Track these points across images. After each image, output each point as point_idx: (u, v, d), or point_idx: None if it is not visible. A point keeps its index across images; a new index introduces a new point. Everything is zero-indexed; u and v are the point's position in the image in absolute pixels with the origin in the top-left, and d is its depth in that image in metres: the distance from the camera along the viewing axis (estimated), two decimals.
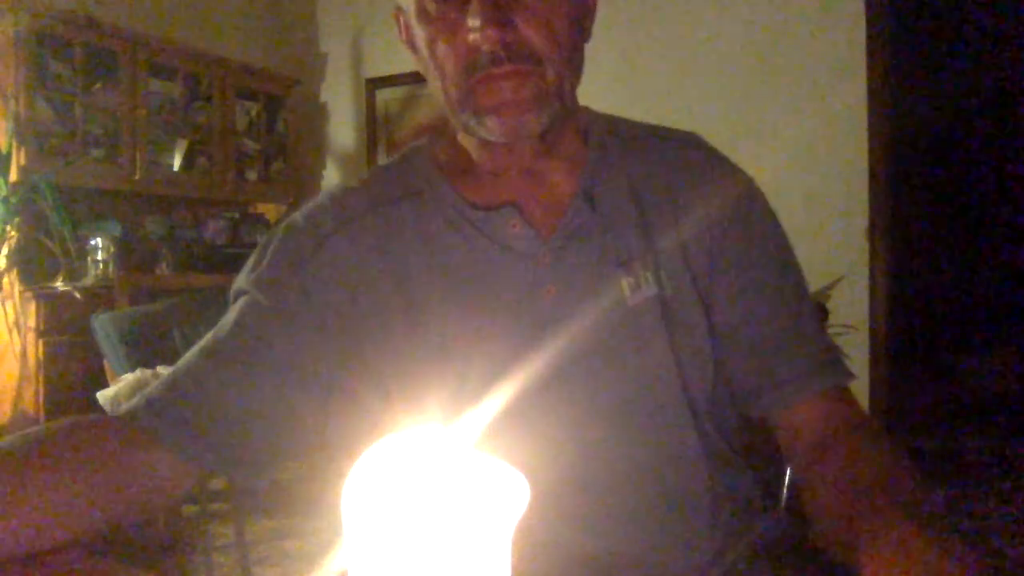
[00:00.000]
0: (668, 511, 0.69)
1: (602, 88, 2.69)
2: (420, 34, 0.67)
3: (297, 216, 0.75)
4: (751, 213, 0.73)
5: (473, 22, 0.61)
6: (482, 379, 0.66)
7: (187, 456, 0.64)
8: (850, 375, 0.71)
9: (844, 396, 0.71)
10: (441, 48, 0.65)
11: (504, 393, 0.65)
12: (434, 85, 0.68)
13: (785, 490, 0.80)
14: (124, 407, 0.66)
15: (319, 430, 0.70)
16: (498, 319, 0.68)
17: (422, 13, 0.66)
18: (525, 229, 0.69)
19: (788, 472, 0.82)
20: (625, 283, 0.69)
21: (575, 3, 0.67)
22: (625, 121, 0.79)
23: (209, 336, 0.70)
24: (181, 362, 0.69)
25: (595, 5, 0.72)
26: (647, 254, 0.70)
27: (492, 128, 0.65)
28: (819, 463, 0.64)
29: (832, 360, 0.71)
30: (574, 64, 0.68)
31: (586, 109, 0.77)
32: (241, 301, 0.71)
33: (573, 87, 0.69)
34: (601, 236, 0.70)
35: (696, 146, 0.77)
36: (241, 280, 0.72)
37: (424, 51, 0.67)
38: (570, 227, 0.69)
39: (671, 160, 0.74)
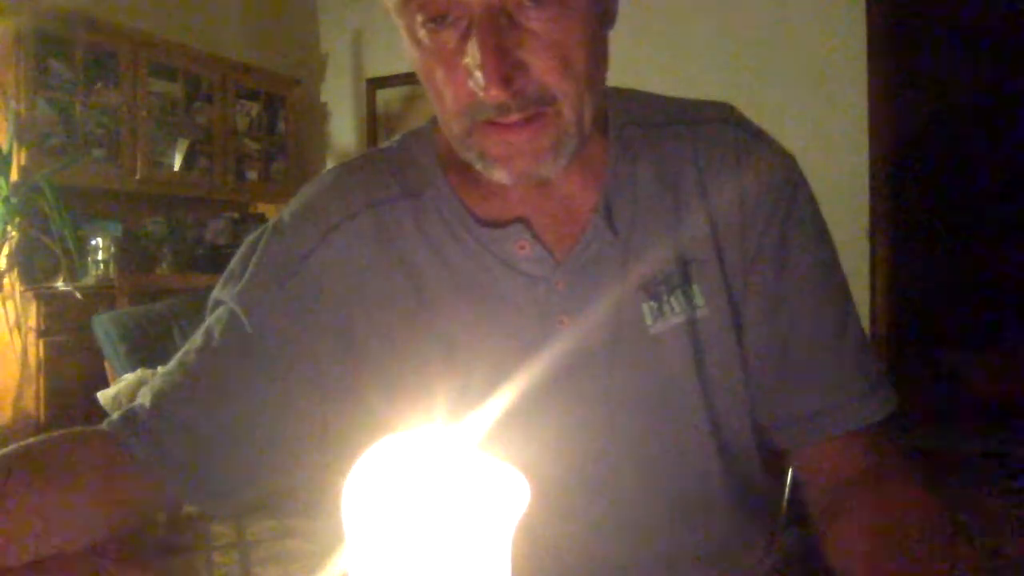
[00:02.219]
0: (680, 519, 0.66)
1: None
2: (414, 55, 0.57)
3: (284, 217, 0.68)
4: (790, 212, 0.64)
5: (475, 74, 0.52)
6: (487, 379, 0.62)
7: (160, 480, 0.62)
8: (892, 402, 0.64)
9: (881, 432, 0.64)
10: (439, 76, 0.55)
11: (509, 393, 0.61)
12: (433, 106, 0.59)
13: (787, 492, 0.79)
14: (108, 421, 0.63)
15: (311, 453, 0.66)
16: (507, 329, 0.64)
17: (413, 39, 0.56)
18: (535, 250, 0.63)
19: (788, 480, 0.81)
20: (647, 308, 0.63)
21: (595, 7, 0.56)
22: (649, 102, 0.69)
23: (192, 351, 0.65)
24: (160, 378, 0.64)
25: None
26: (675, 273, 0.63)
27: (500, 176, 0.57)
28: (845, 512, 0.59)
29: (872, 390, 0.63)
30: (596, 83, 0.57)
31: (604, 92, 0.65)
32: (224, 315, 0.65)
33: (595, 108, 0.58)
34: (621, 258, 0.63)
35: (728, 124, 0.67)
36: (222, 291, 0.66)
37: (419, 72, 0.58)
38: (587, 252, 0.63)
39: (701, 147, 0.65)
